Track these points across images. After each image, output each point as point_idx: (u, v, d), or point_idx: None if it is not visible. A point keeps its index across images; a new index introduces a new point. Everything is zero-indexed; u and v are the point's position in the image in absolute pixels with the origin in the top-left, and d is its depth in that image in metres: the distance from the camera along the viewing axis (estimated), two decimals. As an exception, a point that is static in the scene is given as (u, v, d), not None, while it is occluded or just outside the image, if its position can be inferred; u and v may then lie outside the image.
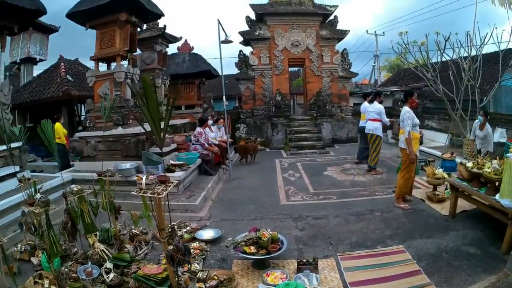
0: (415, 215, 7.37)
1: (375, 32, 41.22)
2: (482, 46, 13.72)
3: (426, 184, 9.12)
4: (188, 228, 6.82)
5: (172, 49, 32.13)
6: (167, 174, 8.67)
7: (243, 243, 5.33)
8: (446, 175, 8.51)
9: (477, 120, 11.72)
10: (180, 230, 6.67)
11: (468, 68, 13.74)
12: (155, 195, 3.89)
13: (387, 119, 11.65)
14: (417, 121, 7.85)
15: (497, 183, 5.86)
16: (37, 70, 22.43)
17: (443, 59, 14.75)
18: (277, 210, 8.08)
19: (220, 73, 12.30)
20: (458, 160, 10.47)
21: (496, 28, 13.25)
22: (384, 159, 13.12)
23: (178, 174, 9.18)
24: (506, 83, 19.89)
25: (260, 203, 8.68)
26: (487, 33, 13.51)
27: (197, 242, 6.20)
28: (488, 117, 11.62)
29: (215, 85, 30.88)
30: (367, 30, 44.14)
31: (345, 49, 21.06)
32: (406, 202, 8.01)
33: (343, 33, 20.17)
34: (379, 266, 5.08)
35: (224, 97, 11.53)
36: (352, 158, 14.01)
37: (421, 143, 9.03)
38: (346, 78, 21.07)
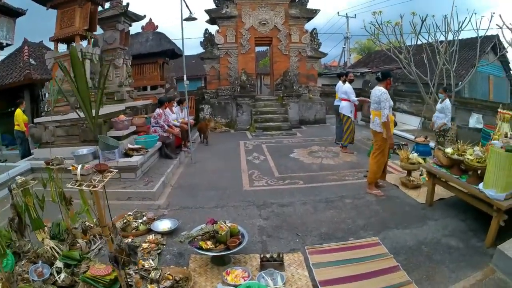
0: (389, 202, 6.92)
1: (346, 14, 41.01)
2: (460, 30, 13.64)
3: (399, 168, 8.74)
4: (144, 218, 6.22)
5: (137, 28, 31.37)
6: (125, 159, 8.26)
7: (199, 237, 4.77)
8: (421, 160, 8.15)
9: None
10: (135, 221, 6.09)
11: (444, 51, 13.59)
12: (91, 188, 3.29)
13: (355, 98, 11.35)
14: (392, 103, 7.38)
15: (479, 171, 5.49)
16: (3, 55, 21.59)
17: (419, 42, 14.64)
18: (239, 197, 7.51)
19: (184, 52, 11.74)
20: (432, 144, 10.18)
21: (475, 13, 13.22)
22: (354, 141, 12.70)
23: (135, 159, 8.47)
24: (482, 69, 19.94)
25: (222, 189, 8.08)
26: (465, 18, 13.41)
27: (153, 235, 5.63)
28: (447, 91, 11.28)
29: (181, 65, 30.25)
30: (338, 12, 44.08)
31: (314, 28, 20.34)
32: (379, 188, 7.57)
33: (313, 12, 19.44)
34: (353, 262, 4.61)
35: (185, 77, 10.96)
36: (320, 140, 13.68)
37: (395, 125, 8.46)
38: (315, 58, 20.42)
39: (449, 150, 6.32)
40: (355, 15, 42.15)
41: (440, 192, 6.82)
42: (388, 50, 15.89)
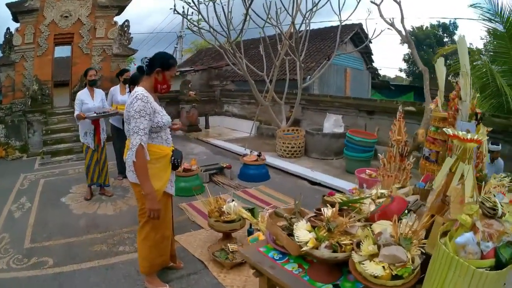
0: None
1: (183, 11, 38.57)
2: (313, 10, 11.65)
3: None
4: None
5: None
6: None
7: None
8: (246, 214, 4.96)
9: None
10: None
11: (289, 37, 11.55)
12: None
13: (77, 112, 7.26)
14: (166, 118, 3.97)
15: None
16: None
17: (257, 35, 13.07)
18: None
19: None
20: (271, 160, 8.42)
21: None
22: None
23: None
24: (337, 61, 18.59)
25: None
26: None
27: None
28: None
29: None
30: (174, 9, 41.35)
31: (126, 20, 17.16)
32: (171, 269, 4.67)
33: (126, -1, 16.28)
34: None
35: None
36: (114, 165, 9.63)
37: (175, 167, 4.23)
38: (123, 56, 17.32)
39: (303, 234, 2.57)
40: (192, 12, 40.69)
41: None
42: (218, 47, 13.28)
